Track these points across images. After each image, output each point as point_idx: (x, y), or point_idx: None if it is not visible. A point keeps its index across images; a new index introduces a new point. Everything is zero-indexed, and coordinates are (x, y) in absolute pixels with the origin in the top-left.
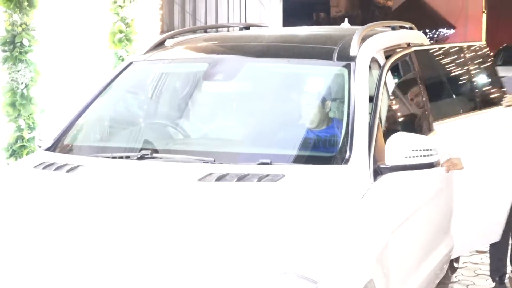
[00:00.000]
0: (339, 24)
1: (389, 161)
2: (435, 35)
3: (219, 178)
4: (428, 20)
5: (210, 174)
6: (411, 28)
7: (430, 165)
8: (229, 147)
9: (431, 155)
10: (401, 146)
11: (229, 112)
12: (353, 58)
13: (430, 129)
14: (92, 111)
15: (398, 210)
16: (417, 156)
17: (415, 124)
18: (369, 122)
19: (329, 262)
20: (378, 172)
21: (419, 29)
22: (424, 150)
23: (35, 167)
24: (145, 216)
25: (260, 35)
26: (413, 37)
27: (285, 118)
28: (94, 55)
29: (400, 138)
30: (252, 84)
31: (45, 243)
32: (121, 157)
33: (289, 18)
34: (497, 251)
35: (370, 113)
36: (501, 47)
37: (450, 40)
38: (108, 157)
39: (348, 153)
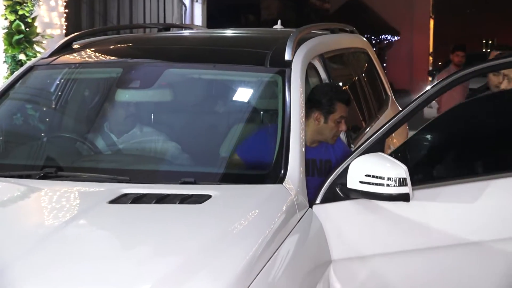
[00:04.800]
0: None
1: (350, 185)
2: (378, 42)
3: (135, 200)
4: (369, 25)
5: (125, 195)
6: (352, 32)
7: (388, 197)
8: (146, 164)
9: (387, 184)
10: (359, 169)
11: (146, 124)
12: (288, 64)
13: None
14: None
15: (349, 243)
16: (370, 183)
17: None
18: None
19: None
20: (338, 195)
21: (360, 34)
22: (379, 177)
23: None
24: (41, 245)
25: (182, 37)
26: (354, 41)
27: (211, 132)
28: None
29: (365, 159)
30: (173, 92)
31: None
32: (20, 176)
33: (214, 21)
34: None
35: None
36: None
37: (395, 46)
38: (5, 176)
39: (282, 171)
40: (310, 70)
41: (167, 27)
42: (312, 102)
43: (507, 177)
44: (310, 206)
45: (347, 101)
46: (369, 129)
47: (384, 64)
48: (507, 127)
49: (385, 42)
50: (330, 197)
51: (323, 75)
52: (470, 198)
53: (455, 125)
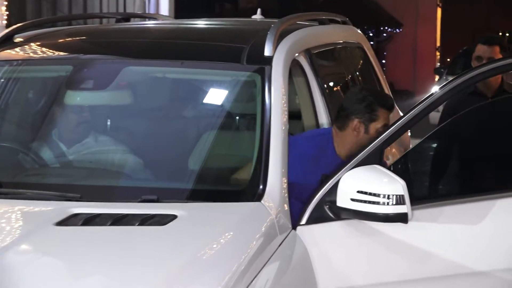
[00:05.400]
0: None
1: (340, 203)
2: (377, 34)
3: (87, 221)
4: (366, 16)
5: (75, 215)
6: (344, 23)
7: (384, 218)
8: (101, 179)
9: (382, 203)
10: (350, 185)
11: (101, 132)
12: (268, 61)
13: None
14: None
15: (339, 271)
16: (364, 201)
17: None
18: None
19: None
20: (327, 215)
21: (355, 26)
22: (374, 194)
23: None
24: None
25: (145, 28)
26: (347, 34)
27: (177, 141)
28: None
29: (358, 173)
30: (133, 94)
31: None
32: None
33: (183, 10)
34: None
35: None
36: (460, 51)
37: (396, 40)
38: None
39: (261, 187)
40: (294, 67)
41: (127, 17)
42: (349, 109)
43: None
44: (294, 227)
45: (391, 106)
46: None
47: (384, 61)
48: None
49: (384, 35)
50: (317, 217)
51: (309, 73)
52: (480, 220)
53: (466, 133)
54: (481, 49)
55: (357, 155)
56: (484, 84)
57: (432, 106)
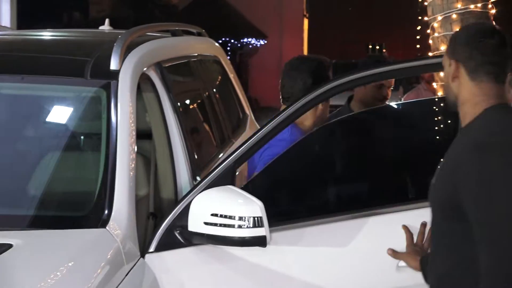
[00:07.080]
0: None
1: (192, 227)
2: (240, 46)
3: None
4: (229, 26)
5: None
6: (200, 34)
7: (241, 242)
8: None
9: (238, 226)
10: (203, 207)
11: None
12: (114, 75)
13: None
14: None
15: None
16: (218, 225)
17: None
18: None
19: None
20: (178, 241)
21: (216, 38)
22: (229, 217)
23: None
24: None
25: None
26: (202, 46)
27: (15, 164)
28: None
29: (211, 194)
30: None
31: None
32: None
33: (27, 20)
34: None
35: (142, 153)
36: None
37: (261, 53)
38: None
39: (105, 212)
40: (143, 82)
41: None
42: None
43: (385, 213)
44: (143, 255)
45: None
46: (222, 156)
47: (248, 75)
48: (390, 151)
49: (249, 47)
50: (167, 244)
51: (160, 88)
52: (344, 241)
53: (327, 149)
54: None
55: (208, 176)
56: (359, 105)
57: (285, 122)
